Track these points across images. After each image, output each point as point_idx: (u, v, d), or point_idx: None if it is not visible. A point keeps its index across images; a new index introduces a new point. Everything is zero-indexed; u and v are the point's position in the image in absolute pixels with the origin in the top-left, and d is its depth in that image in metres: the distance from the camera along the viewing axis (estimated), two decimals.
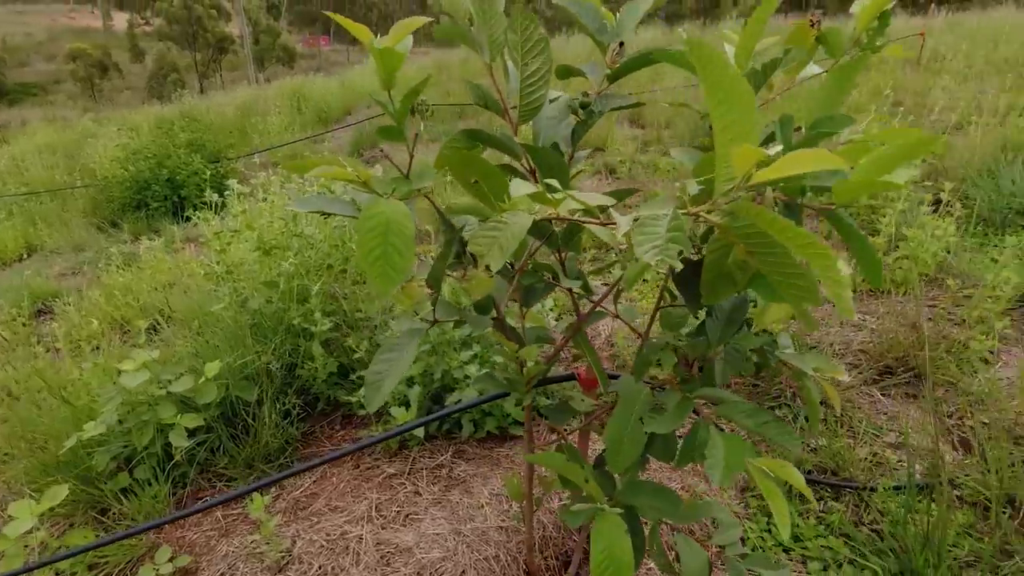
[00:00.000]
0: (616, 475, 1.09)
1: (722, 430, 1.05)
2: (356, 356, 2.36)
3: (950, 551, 1.41)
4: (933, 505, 1.58)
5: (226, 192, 3.26)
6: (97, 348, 2.90)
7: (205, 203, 4.55)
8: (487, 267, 0.74)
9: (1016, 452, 1.67)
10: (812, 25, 0.95)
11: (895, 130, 0.84)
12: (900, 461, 1.83)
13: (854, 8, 0.99)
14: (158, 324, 3.18)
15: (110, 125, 9.35)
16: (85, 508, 2.02)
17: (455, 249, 0.93)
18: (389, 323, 2.34)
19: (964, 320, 2.21)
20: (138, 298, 3.56)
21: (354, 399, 2.29)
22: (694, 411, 0.96)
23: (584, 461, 1.10)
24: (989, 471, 1.62)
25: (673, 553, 1.45)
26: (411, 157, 0.84)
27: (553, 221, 0.83)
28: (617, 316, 1.24)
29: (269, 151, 6.64)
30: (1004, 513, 1.52)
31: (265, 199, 3.28)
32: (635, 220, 0.60)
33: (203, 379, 2.20)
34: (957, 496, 1.63)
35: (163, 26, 35.65)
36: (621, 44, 1.08)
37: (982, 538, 1.49)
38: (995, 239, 2.85)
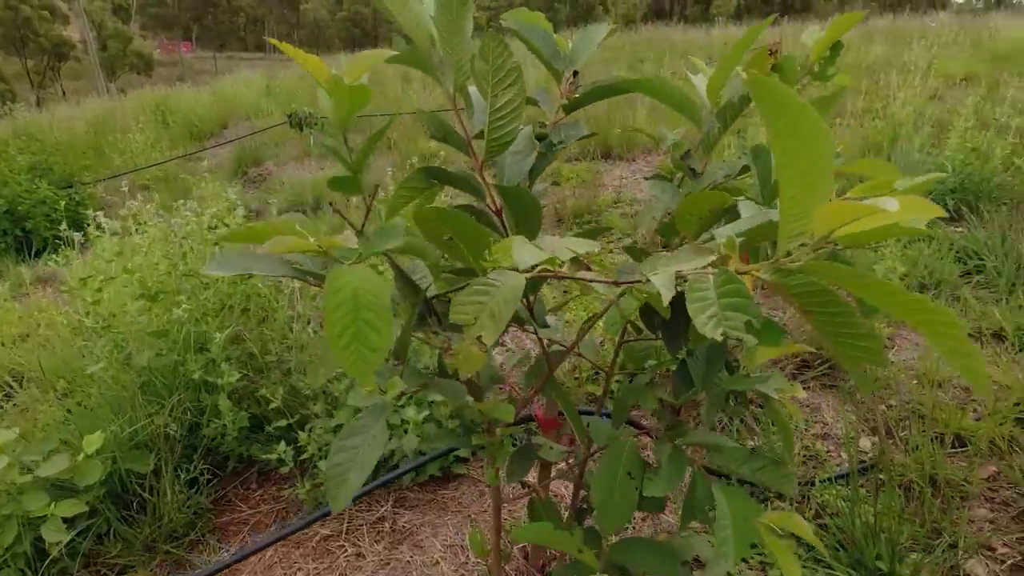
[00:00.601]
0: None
1: (722, 477, 1.00)
2: (272, 406, 2.11)
3: (892, 539, 1.49)
4: (866, 492, 1.67)
5: (88, 225, 2.82)
6: None
7: (60, 238, 3.93)
8: (479, 339, 0.63)
9: (927, 431, 1.82)
10: (771, 53, 0.93)
11: (869, 162, 0.84)
12: (829, 452, 1.94)
13: (805, 38, 0.99)
14: (11, 388, 2.67)
15: None
16: None
17: (419, 311, 0.81)
18: (307, 367, 2.12)
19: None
20: None
21: (272, 455, 2.04)
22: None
23: (573, 525, 1.01)
24: (909, 453, 1.75)
25: None
26: (368, 210, 0.70)
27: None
28: (579, 354, 1.17)
29: (135, 172, 5.91)
30: (927, 492, 1.65)
31: (137, 230, 2.88)
32: (679, 280, 0.53)
33: (82, 456, 1.85)
34: (883, 480, 1.74)
35: None
36: (575, 73, 1.02)
37: (914, 520, 1.60)
38: None
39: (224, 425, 2.10)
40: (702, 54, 10.05)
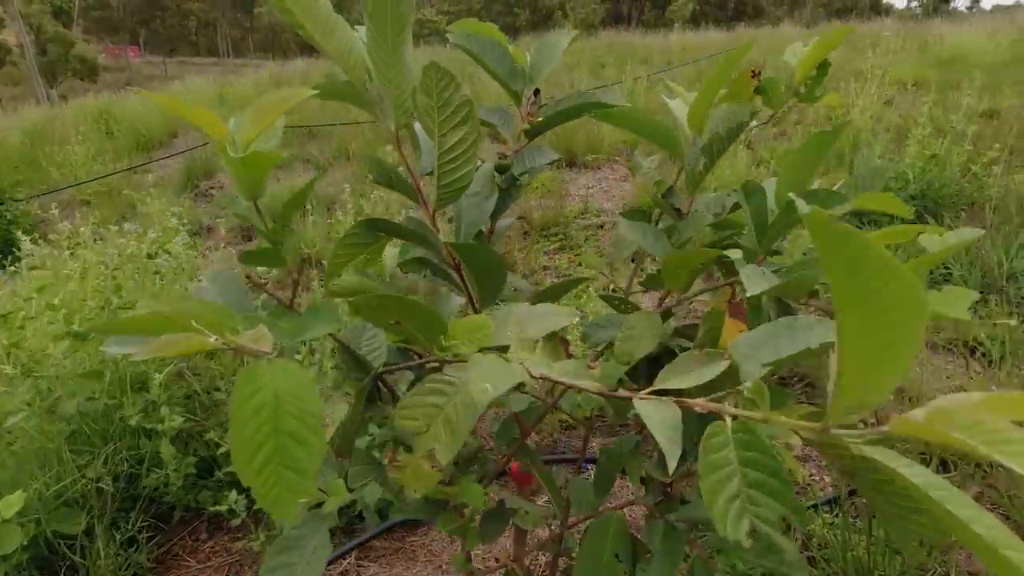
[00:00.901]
0: None
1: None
2: (221, 451, 1.93)
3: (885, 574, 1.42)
4: (852, 519, 1.61)
5: (17, 249, 2.59)
6: None
7: None
8: (431, 452, 0.51)
9: (912, 452, 1.78)
10: (753, 76, 0.84)
11: (880, 196, 0.75)
12: (812, 475, 1.88)
13: (789, 57, 0.91)
14: None
15: None
16: None
17: (368, 391, 0.68)
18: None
19: None
20: None
21: (223, 507, 1.87)
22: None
23: None
24: None
25: None
26: (295, 285, 0.57)
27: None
28: (557, 408, 1.06)
29: (76, 187, 5.55)
30: None
31: (72, 254, 2.65)
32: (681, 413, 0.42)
33: None
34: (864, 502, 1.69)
35: None
36: (537, 92, 0.90)
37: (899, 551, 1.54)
38: None
39: (167, 474, 1.91)
40: (662, 59, 10.14)
